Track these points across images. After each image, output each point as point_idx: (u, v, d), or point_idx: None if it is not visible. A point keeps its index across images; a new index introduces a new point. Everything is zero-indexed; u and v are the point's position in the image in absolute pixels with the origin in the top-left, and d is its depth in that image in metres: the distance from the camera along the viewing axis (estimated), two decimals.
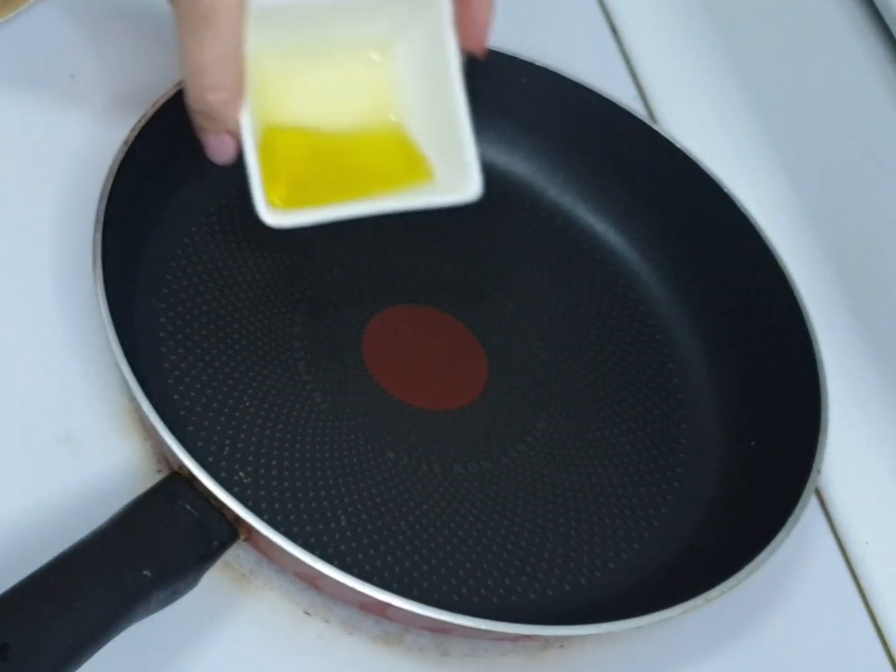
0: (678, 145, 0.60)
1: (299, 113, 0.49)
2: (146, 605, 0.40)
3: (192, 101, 0.45)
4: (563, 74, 0.60)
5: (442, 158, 0.49)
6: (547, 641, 0.48)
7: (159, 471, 0.47)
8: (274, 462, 0.48)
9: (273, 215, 0.46)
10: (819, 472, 0.50)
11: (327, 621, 0.46)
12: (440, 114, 0.48)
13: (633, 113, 0.60)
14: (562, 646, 0.48)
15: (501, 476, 0.51)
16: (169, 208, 0.53)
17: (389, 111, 0.49)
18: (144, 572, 0.39)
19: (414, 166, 0.49)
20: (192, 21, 0.43)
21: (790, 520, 0.48)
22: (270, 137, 0.48)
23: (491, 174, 0.61)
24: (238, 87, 0.45)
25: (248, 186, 0.46)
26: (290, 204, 0.48)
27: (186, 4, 0.42)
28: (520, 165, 0.62)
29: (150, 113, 0.50)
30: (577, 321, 0.58)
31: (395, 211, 0.49)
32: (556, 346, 0.56)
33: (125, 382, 0.43)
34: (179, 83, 0.51)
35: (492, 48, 0.60)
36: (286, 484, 0.47)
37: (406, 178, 0.49)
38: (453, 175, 0.49)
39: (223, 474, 0.46)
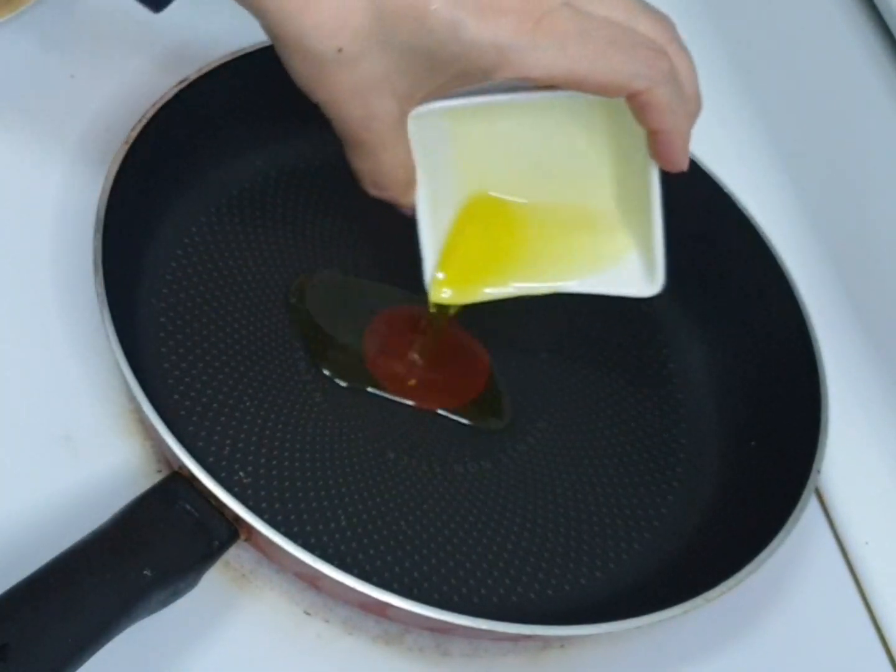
0: None
1: (504, 181, 0.48)
2: (146, 605, 0.40)
3: (362, 186, 0.46)
4: None
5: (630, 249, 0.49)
6: (547, 641, 0.48)
7: (159, 471, 0.47)
8: (274, 462, 0.48)
9: (440, 291, 0.47)
10: (819, 471, 0.50)
11: (327, 621, 0.46)
12: (634, 205, 0.48)
13: None
14: (562, 646, 0.48)
15: (501, 476, 0.51)
16: (169, 208, 0.53)
17: (588, 192, 0.49)
18: (144, 572, 0.39)
19: (601, 245, 0.49)
20: (346, 141, 0.44)
21: (790, 520, 0.48)
22: (475, 203, 0.48)
23: None
24: (402, 186, 0.45)
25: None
26: (464, 272, 0.48)
27: (339, 129, 0.43)
28: None
29: (151, 113, 0.50)
30: (576, 321, 0.58)
31: (568, 291, 0.49)
32: (556, 346, 0.56)
33: (125, 382, 0.43)
34: (180, 83, 0.51)
35: None
36: (286, 484, 0.47)
37: (589, 254, 0.49)
38: (636, 268, 0.49)
39: (223, 474, 0.46)
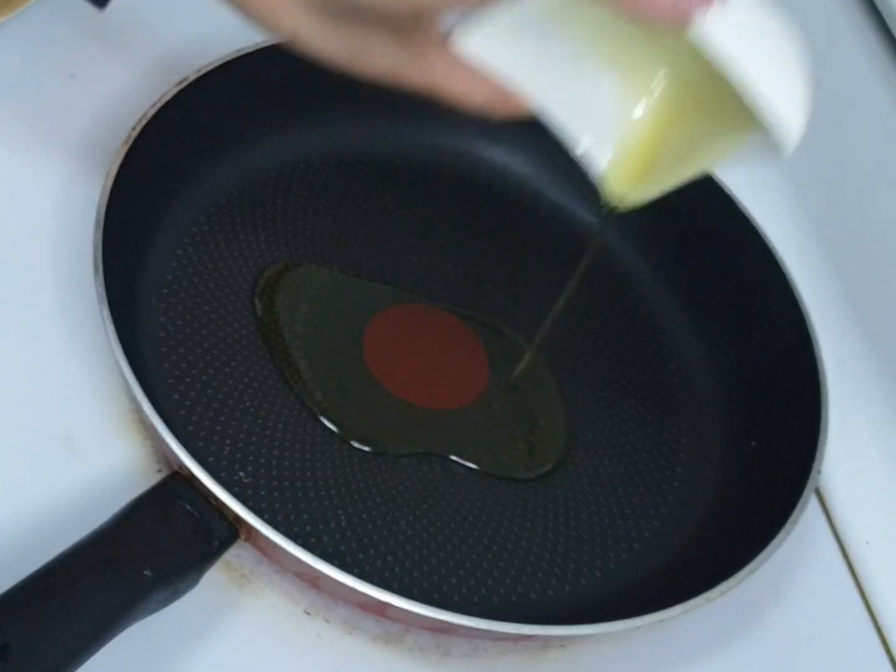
0: None
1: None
2: (146, 605, 0.40)
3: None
4: None
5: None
6: (547, 641, 0.48)
7: (159, 470, 0.47)
8: (274, 462, 0.48)
9: (613, 186, 0.43)
10: (819, 472, 0.50)
11: (327, 621, 0.46)
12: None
13: None
14: (562, 645, 0.48)
15: (500, 475, 0.51)
16: (169, 208, 0.53)
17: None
18: (145, 572, 0.39)
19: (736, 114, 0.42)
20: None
21: (790, 520, 0.48)
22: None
23: (491, 174, 0.62)
24: (498, 99, 0.42)
25: None
26: (633, 168, 0.44)
27: None
28: (520, 165, 0.62)
29: (151, 113, 0.50)
30: (577, 320, 0.58)
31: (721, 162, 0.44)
32: (556, 345, 0.56)
33: (125, 382, 0.43)
34: (180, 83, 0.52)
35: None
36: (286, 484, 0.47)
37: (731, 126, 0.43)
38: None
39: (223, 474, 0.46)
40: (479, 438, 0.52)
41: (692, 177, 0.44)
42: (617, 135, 0.44)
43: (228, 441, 0.48)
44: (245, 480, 0.47)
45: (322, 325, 0.53)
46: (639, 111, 0.44)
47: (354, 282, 0.55)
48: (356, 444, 0.49)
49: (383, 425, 0.50)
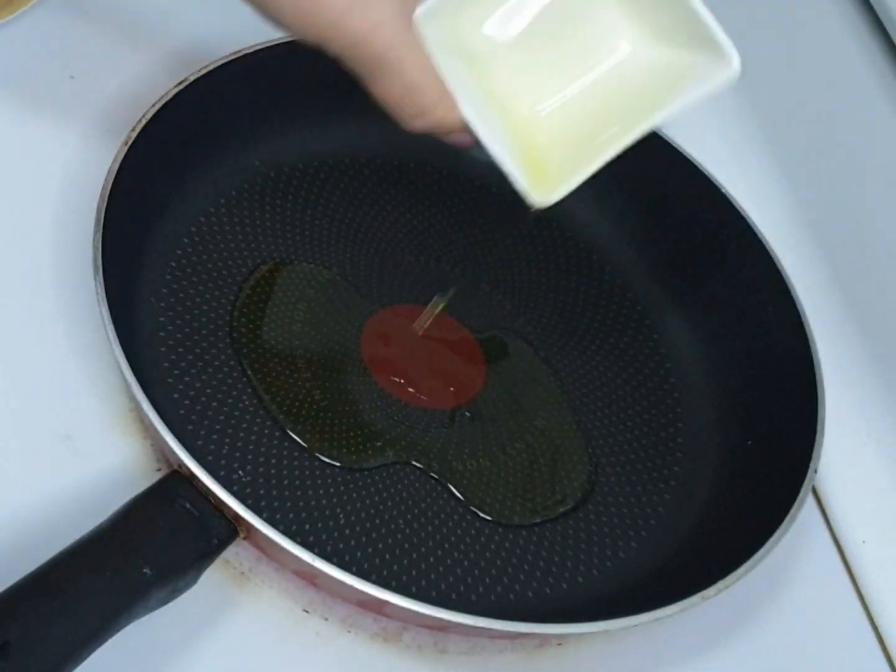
0: (677, 147, 0.60)
1: (542, 82, 0.45)
2: (146, 603, 0.40)
3: (408, 127, 0.43)
4: None
5: (686, 51, 0.43)
6: (544, 639, 0.48)
7: (159, 469, 0.47)
8: (273, 461, 0.48)
9: (541, 193, 0.44)
10: (816, 471, 0.50)
11: (326, 619, 0.46)
12: (661, 13, 0.43)
13: None
14: (559, 643, 0.48)
15: (499, 474, 0.51)
16: (169, 208, 0.53)
17: (618, 35, 0.44)
18: (144, 570, 0.40)
19: (658, 72, 0.44)
20: (368, 69, 0.42)
21: (787, 518, 0.48)
22: (528, 116, 0.45)
23: (490, 175, 0.62)
24: (439, 101, 0.42)
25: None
26: (561, 169, 0.45)
27: (355, 56, 0.41)
28: None
29: (151, 113, 0.50)
30: (574, 320, 0.58)
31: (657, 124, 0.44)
32: (553, 344, 0.56)
33: (125, 382, 0.43)
34: (180, 83, 0.52)
35: None
36: (285, 483, 0.47)
37: (654, 87, 0.45)
38: (705, 61, 0.43)
39: (222, 473, 0.47)
40: (477, 436, 0.52)
41: (612, 155, 0.45)
42: (523, 143, 0.44)
43: (227, 440, 0.48)
44: (244, 479, 0.47)
45: (320, 324, 0.53)
46: (547, 109, 0.45)
47: (352, 283, 0.55)
48: (324, 459, 0.49)
49: (356, 439, 0.50)
